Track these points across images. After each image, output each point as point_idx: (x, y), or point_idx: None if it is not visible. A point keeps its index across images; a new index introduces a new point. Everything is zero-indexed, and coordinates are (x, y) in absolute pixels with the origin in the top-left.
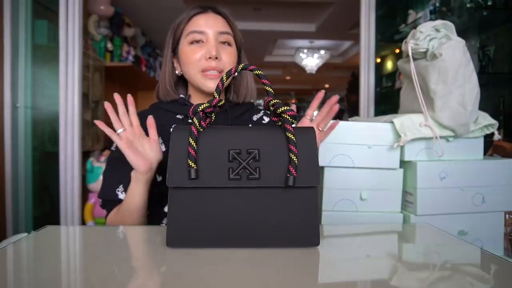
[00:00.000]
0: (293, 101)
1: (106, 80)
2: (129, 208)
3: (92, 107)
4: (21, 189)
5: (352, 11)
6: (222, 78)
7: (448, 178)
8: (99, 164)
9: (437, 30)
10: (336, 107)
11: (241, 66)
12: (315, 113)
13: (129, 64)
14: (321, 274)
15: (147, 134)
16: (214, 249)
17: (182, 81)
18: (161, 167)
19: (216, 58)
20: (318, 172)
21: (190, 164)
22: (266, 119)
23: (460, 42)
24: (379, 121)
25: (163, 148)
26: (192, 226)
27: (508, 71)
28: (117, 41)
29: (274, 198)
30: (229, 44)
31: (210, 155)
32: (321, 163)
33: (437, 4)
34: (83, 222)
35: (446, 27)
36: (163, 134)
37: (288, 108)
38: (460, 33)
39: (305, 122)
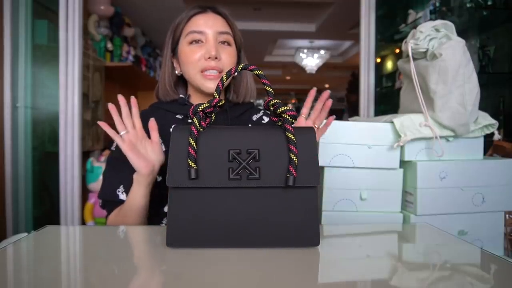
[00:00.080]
0: (293, 101)
1: (106, 80)
2: (131, 210)
3: (92, 107)
4: (21, 189)
5: (352, 11)
6: (222, 78)
7: (448, 178)
8: (99, 164)
9: (437, 30)
10: (329, 103)
11: (241, 66)
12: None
13: (129, 64)
14: (321, 274)
15: (148, 135)
16: (214, 249)
17: (181, 81)
18: (161, 167)
19: (216, 58)
20: (318, 172)
21: (190, 164)
22: (266, 119)
23: (460, 42)
24: (379, 121)
25: (163, 148)
26: (192, 226)
27: (508, 71)
28: (117, 41)
29: (274, 198)
30: (228, 44)
31: (210, 155)
32: (321, 163)
33: (437, 4)
34: (83, 222)
35: (446, 27)
36: (163, 134)
37: (288, 108)
38: (460, 33)
39: (300, 121)
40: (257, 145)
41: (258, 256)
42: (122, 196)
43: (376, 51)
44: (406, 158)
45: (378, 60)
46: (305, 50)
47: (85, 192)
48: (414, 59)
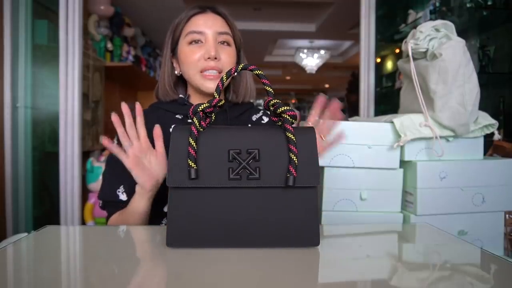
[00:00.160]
0: (293, 101)
1: (106, 80)
2: (133, 215)
3: (92, 107)
4: (21, 189)
5: (352, 11)
6: (222, 78)
7: (448, 178)
8: (99, 164)
9: (437, 30)
10: (340, 115)
11: (241, 66)
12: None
13: (129, 64)
14: (321, 274)
15: (149, 135)
16: (214, 249)
17: (181, 81)
18: None
19: (215, 58)
20: (318, 172)
21: (190, 164)
22: (266, 119)
23: (460, 42)
24: (379, 121)
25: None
26: (192, 226)
27: (508, 71)
28: (117, 41)
29: (274, 198)
30: (228, 44)
31: (210, 155)
32: (321, 163)
33: (437, 4)
34: (83, 222)
35: (446, 27)
36: (163, 134)
37: (288, 108)
38: (460, 33)
39: None
40: (257, 145)
41: (258, 256)
42: (123, 197)
43: (376, 51)
44: (406, 158)
45: (378, 60)
46: (305, 50)
47: (85, 192)
48: (414, 59)
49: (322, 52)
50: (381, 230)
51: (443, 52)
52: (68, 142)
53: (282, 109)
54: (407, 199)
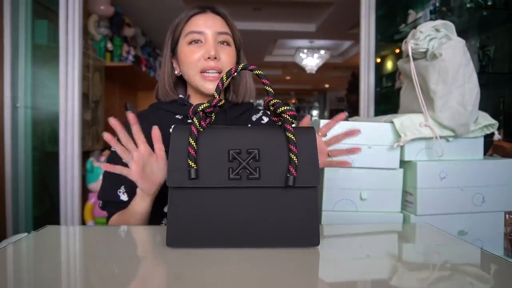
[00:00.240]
0: (293, 101)
1: (106, 80)
2: (134, 216)
3: (92, 107)
4: (21, 189)
5: (352, 11)
6: (222, 78)
7: (448, 178)
8: (99, 164)
9: (437, 30)
10: (355, 149)
11: (241, 66)
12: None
13: (129, 64)
14: (321, 274)
15: (148, 137)
16: (214, 249)
17: (181, 81)
18: None
19: (215, 58)
20: (318, 172)
21: (190, 164)
22: (265, 119)
23: (460, 42)
24: (379, 121)
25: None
26: (192, 226)
27: (508, 71)
28: (117, 41)
29: (274, 198)
30: (228, 44)
31: (210, 155)
32: None
33: (437, 4)
34: (83, 222)
35: (446, 27)
36: (163, 135)
37: (288, 108)
38: (460, 33)
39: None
40: (257, 145)
41: (258, 256)
42: (123, 197)
43: (376, 51)
44: (406, 158)
45: (378, 60)
46: (305, 50)
47: (85, 192)
48: (414, 59)
49: (322, 52)
50: (381, 230)
51: (443, 52)
52: (68, 142)
53: (282, 109)
54: (407, 199)
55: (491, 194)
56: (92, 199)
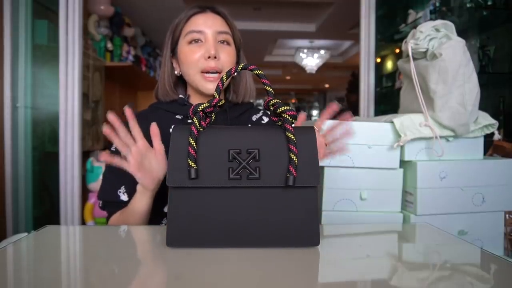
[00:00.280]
0: (293, 101)
1: (106, 80)
2: (133, 215)
3: (92, 107)
4: (21, 189)
5: (352, 11)
6: (222, 78)
7: (448, 178)
8: (99, 164)
9: (437, 30)
10: (350, 131)
11: (241, 66)
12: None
13: (129, 64)
14: (321, 274)
15: (148, 137)
16: (214, 249)
17: (181, 81)
18: None
19: (215, 57)
20: (318, 172)
21: (190, 164)
22: (266, 119)
23: (460, 42)
24: (379, 121)
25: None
26: (192, 226)
27: (508, 71)
28: (117, 41)
29: (274, 198)
30: (228, 44)
31: (210, 155)
32: (321, 163)
33: (437, 4)
34: (83, 222)
35: (446, 27)
36: (163, 134)
37: (288, 108)
38: (460, 33)
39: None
40: (257, 145)
41: (258, 256)
42: (124, 197)
43: (376, 51)
44: (406, 158)
45: (378, 60)
46: (305, 50)
47: (85, 192)
48: (414, 59)
49: (322, 52)
50: (381, 230)
51: (443, 52)
52: (68, 142)
53: (282, 109)
54: (407, 199)
55: (491, 194)
56: (92, 199)
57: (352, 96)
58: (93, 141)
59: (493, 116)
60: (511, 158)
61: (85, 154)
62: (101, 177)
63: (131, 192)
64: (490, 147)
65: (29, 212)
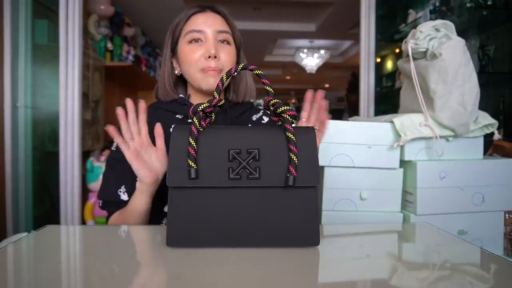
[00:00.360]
0: (293, 101)
1: (106, 79)
2: (133, 214)
3: (92, 107)
4: (21, 189)
5: (352, 11)
6: (222, 78)
7: (448, 177)
8: (99, 164)
9: (437, 30)
10: (324, 103)
11: (241, 65)
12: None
13: (129, 63)
14: (321, 274)
15: (150, 134)
16: (214, 249)
17: (181, 81)
18: None
19: (215, 57)
20: (318, 172)
21: (190, 163)
22: (266, 119)
23: (460, 41)
24: (379, 121)
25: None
26: (192, 226)
27: (508, 71)
28: (117, 41)
29: (274, 198)
30: (228, 43)
31: (210, 155)
32: (321, 163)
33: (437, 4)
34: (83, 222)
35: (446, 26)
36: (163, 134)
37: (288, 108)
38: (460, 32)
39: (301, 125)
40: (257, 145)
41: (258, 256)
42: (124, 197)
43: (376, 51)
44: (406, 158)
45: (378, 60)
46: (305, 50)
47: (85, 192)
48: (414, 59)
49: (322, 52)
50: (381, 230)
51: (443, 52)
52: (68, 142)
53: (282, 109)
54: (407, 199)
55: (491, 193)
56: (92, 199)
57: (352, 96)
58: (93, 141)
59: (493, 116)
60: (511, 158)
61: (85, 154)
62: (101, 177)
63: (131, 192)
64: (490, 147)
65: (29, 212)
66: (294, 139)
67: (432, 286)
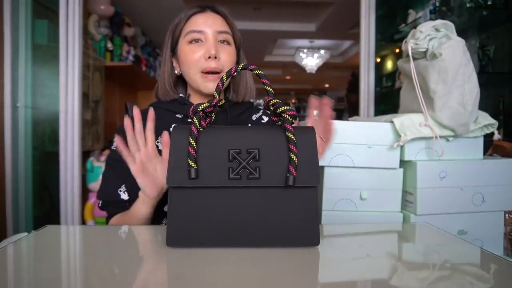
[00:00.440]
0: (293, 101)
1: (106, 79)
2: (134, 220)
3: (92, 107)
4: (21, 189)
5: (352, 11)
6: (222, 78)
7: (448, 177)
8: (99, 164)
9: (437, 30)
10: (331, 113)
11: (241, 66)
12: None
13: (129, 63)
14: (321, 274)
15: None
16: (214, 248)
17: (181, 81)
18: None
19: (216, 57)
20: (318, 172)
21: (190, 163)
22: (265, 119)
23: (460, 41)
24: (379, 121)
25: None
26: (192, 226)
27: (508, 71)
28: (117, 41)
29: (274, 197)
30: (228, 43)
31: (210, 155)
32: (321, 163)
33: (437, 4)
34: (83, 222)
35: (446, 26)
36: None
37: (288, 108)
38: (460, 32)
39: None
40: (257, 144)
41: (258, 256)
42: (124, 196)
43: (376, 51)
44: (406, 158)
45: (378, 60)
46: (305, 50)
47: (85, 192)
48: (414, 59)
49: (322, 52)
50: (381, 230)
51: (443, 52)
52: (68, 142)
53: (282, 109)
54: (407, 199)
55: (491, 193)
56: (92, 199)
57: (352, 96)
58: (93, 141)
59: (493, 116)
60: (511, 158)
61: (85, 154)
62: (100, 177)
63: (131, 191)
64: (490, 147)
65: (29, 212)
66: (294, 139)
67: (432, 286)
